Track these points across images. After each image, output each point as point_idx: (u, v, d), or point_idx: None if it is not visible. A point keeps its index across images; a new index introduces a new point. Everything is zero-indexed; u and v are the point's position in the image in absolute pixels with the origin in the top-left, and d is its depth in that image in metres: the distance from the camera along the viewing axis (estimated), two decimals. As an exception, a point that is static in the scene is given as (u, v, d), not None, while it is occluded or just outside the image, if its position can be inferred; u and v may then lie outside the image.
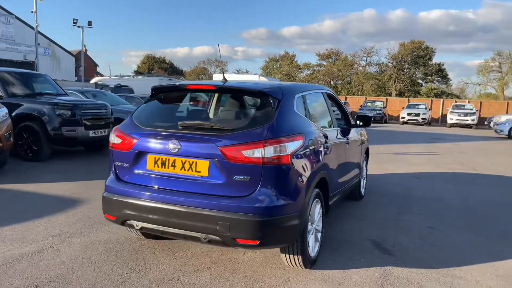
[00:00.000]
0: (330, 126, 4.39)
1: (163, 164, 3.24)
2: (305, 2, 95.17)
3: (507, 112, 31.82)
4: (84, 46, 35.66)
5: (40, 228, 4.34)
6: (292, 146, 3.11)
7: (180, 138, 3.16)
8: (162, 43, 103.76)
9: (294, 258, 3.38)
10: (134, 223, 3.30)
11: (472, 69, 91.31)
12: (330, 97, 4.81)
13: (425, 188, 7.17)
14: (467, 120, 27.47)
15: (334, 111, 4.79)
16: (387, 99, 36.61)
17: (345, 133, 4.78)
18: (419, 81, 51.70)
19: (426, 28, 77.30)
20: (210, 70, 66.66)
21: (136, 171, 3.36)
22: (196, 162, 3.13)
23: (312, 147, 3.47)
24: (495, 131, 21.22)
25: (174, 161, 3.20)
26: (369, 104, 32.27)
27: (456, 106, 29.86)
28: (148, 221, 3.24)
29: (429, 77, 50.51)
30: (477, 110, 29.23)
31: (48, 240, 4.02)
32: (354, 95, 44.45)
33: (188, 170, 3.16)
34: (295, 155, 3.13)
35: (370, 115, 29.11)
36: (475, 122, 27.41)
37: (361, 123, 5.25)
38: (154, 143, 3.28)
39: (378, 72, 52.57)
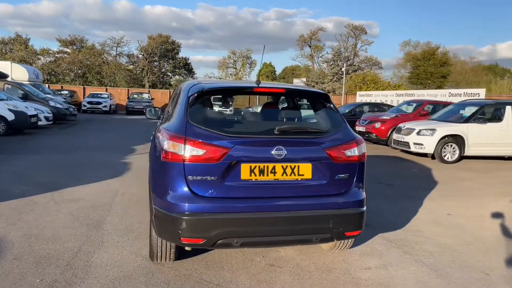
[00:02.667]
0: None
1: (261, 172, 3.05)
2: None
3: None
4: None
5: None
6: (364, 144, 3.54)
7: (285, 143, 3.07)
8: None
9: (346, 242, 3.81)
10: (233, 240, 2.97)
11: (195, 63, 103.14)
12: None
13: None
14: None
15: None
16: (149, 90, 37.34)
17: None
18: (169, 73, 54.66)
19: (153, 22, 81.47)
20: None
21: (226, 183, 3.00)
22: (298, 166, 3.12)
23: None
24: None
25: (274, 168, 3.07)
26: (135, 96, 32.30)
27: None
28: (252, 234, 3.01)
29: (177, 70, 54.11)
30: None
31: (55, 296, 2.93)
32: (107, 86, 42.83)
33: (290, 175, 3.11)
34: None
35: (141, 106, 28.66)
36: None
37: None
38: (252, 151, 3.03)
39: (129, 63, 52.37)
